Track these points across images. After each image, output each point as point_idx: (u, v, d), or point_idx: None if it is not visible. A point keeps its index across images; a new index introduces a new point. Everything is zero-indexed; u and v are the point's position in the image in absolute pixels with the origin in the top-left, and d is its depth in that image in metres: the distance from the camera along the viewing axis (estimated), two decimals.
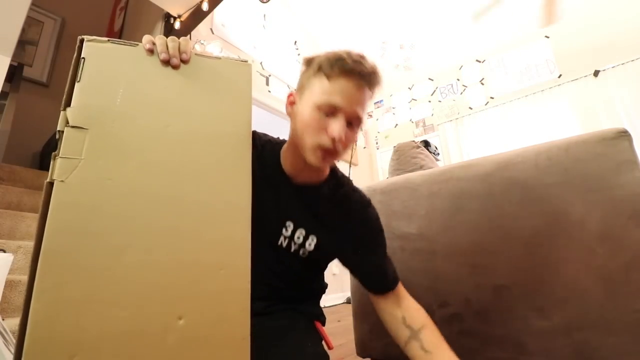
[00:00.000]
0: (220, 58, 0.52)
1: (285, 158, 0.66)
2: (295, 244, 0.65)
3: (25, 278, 1.45)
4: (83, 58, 0.42)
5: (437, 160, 1.43)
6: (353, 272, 0.72)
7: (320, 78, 0.58)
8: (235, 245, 0.43)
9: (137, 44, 0.46)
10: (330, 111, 0.56)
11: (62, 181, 0.37)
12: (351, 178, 0.79)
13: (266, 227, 0.64)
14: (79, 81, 0.41)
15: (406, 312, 0.65)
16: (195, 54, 0.50)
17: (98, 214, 0.38)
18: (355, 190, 0.71)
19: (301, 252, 0.65)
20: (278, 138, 0.74)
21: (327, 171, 0.69)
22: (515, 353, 0.75)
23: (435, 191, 0.91)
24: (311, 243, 0.65)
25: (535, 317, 0.73)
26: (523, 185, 0.76)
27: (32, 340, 0.32)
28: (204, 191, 0.44)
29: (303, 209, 0.66)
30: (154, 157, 0.42)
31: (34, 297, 0.34)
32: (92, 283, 0.36)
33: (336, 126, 0.54)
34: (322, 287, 0.80)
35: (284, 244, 0.66)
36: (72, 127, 0.39)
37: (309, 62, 0.62)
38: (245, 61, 0.54)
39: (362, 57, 0.58)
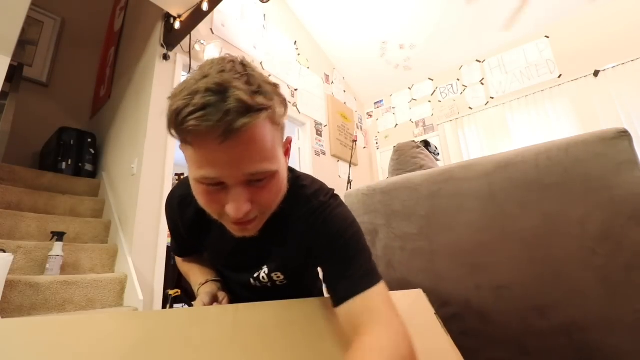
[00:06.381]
0: None
1: None
2: (264, 281, 0.62)
3: (25, 278, 1.45)
4: None
5: (437, 160, 1.43)
6: None
7: (181, 142, 0.42)
8: None
9: None
10: (214, 183, 0.42)
11: None
12: (351, 178, 0.76)
13: (240, 273, 0.64)
14: None
15: (353, 339, 0.47)
16: None
17: None
18: (302, 201, 0.56)
19: (277, 282, 0.63)
20: None
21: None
22: (515, 353, 0.75)
23: (435, 191, 0.91)
24: (279, 276, 0.61)
25: (535, 317, 0.73)
26: (523, 185, 0.76)
27: None
28: None
29: (258, 250, 0.60)
30: None
31: None
32: None
33: (231, 207, 0.42)
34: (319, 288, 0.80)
35: (258, 284, 0.63)
36: None
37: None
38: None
39: (212, 90, 0.37)
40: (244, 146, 0.39)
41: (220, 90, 0.37)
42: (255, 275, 0.62)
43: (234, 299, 0.65)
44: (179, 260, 0.79)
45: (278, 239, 0.58)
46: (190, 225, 0.63)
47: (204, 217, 0.57)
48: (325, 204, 0.56)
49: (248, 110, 0.38)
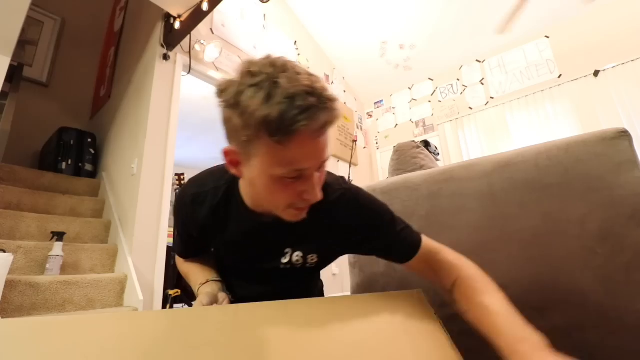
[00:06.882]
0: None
1: (250, 200, 0.58)
2: (298, 263, 0.64)
3: (25, 278, 1.46)
4: None
5: (437, 160, 1.43)
6: (371, 255, 0.70)
7: (265, 143, 0.44)
8: None
9: None
10: (295, 176, 0.47)
11: None
12: (351, 178, 0.78)
13: (263, 261, 0.64)
14: None
15: (438, 274, 0.63)
16: None
17: None
18: (329, 188, 0.60)
19: (306, 265, 0.65)
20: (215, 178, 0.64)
21: None
22: None
23: (435, 191, 0.91)
24: (313, 258, 0.64)
25: (535, 317, 0.73)
26: (523, 185, 0.76)
27: None
28: None
29: (289, 234, 0.62)
30: None
31: None
32: None
33: (312, 193, 0.49)
34: (320, 288, 0.81)
35: (287, 267, 0.64)
36: None
37: (234, 105, 0.44)
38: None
39: (309, 93, 0.42)
40: (326, 137, 0.47)
41: (313, 92, 0.42)
42: (287, 257, 0.64)
43: (235, 299, 0.65)
44: (179, 261, 0.78)
45: (310, 222, 0.58)
46: (204, 224, 0.63)
47: (218, 215, 0.62)
48: (350, 190, 0.63)
49: (334, 106, 0.45)
